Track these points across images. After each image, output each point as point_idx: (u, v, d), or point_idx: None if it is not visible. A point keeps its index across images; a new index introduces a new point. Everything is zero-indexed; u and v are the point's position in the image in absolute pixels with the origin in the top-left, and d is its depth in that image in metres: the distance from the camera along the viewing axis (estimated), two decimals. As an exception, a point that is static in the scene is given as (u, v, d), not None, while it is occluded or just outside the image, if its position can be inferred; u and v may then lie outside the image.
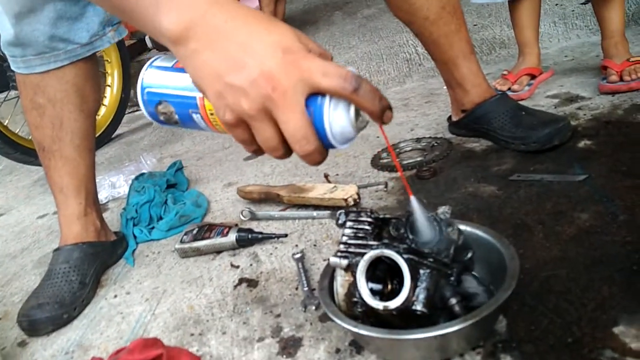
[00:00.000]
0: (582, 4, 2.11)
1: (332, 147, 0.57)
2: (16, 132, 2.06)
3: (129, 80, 2.52)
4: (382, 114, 0.54)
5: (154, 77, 0.64)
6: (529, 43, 1.61)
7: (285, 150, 0.55)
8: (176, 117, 0.64)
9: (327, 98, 0.53)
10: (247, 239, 1.15)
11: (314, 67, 0.51)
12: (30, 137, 2.16)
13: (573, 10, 2.09)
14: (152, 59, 0.67)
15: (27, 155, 2.04)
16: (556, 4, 2.19)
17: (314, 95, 0.53)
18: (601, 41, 1.49)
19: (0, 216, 1.89)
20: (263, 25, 0.52)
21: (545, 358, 0.69)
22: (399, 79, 2.05)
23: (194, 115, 0.62)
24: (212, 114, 0.61)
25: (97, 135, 1.53)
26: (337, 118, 0.54)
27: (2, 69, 2.06)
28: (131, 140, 2.37)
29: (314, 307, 0.90)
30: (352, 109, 0.55)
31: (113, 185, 1.67)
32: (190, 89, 0.59)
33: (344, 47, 2.58)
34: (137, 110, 2.94)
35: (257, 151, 0.58)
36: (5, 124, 2.03)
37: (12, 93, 2.28)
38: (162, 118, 0.65)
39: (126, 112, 2.56)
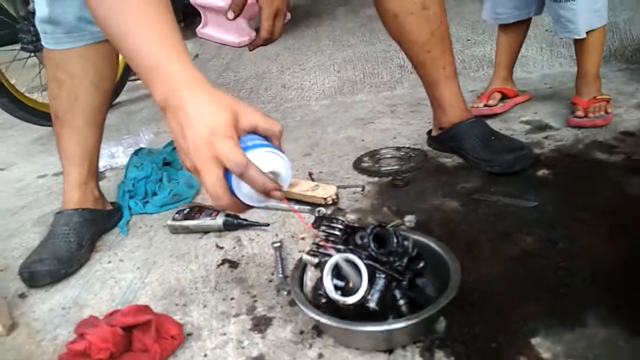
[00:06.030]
0: (570, 33, 2.23)
1: (249, 205, 0.73)
2: (22, 91, 2.15)
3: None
4: (266, 193, 0.70)
5: None
6: (501, 66, 1.76)
7: None
8: None
9: None
10: (233, 224, 1.27)
11: (222, 150, 0.67)
12: (34, 97, 2.26)
13: (561, 39, 2.21)
14: None
15: (31, 114, 2.13)
16: (546, 30, 2.30)
17: None
18: (576, 78, 1.62)
19: (1, 171, 1.99)
20: (211, 108, 0.69)
21: (472, 358, 0.83)
22: (390, 84, 2.16)
23: None
24: None
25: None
26: (242, 184, 0.70)
27: (15, 30, 2.15)
28: (131, 111, 2.47)
29: (285, 293, 1.03)
30: None
31: (112, 156, 1.78)
32: None
33: (344, 45, 2.68)
34: (137, 79, 3.02)
35: None
36: (12, 82, 2.11)
37: (21, 54, 2.36)
38: None
39: (128, 80, 2.64)
